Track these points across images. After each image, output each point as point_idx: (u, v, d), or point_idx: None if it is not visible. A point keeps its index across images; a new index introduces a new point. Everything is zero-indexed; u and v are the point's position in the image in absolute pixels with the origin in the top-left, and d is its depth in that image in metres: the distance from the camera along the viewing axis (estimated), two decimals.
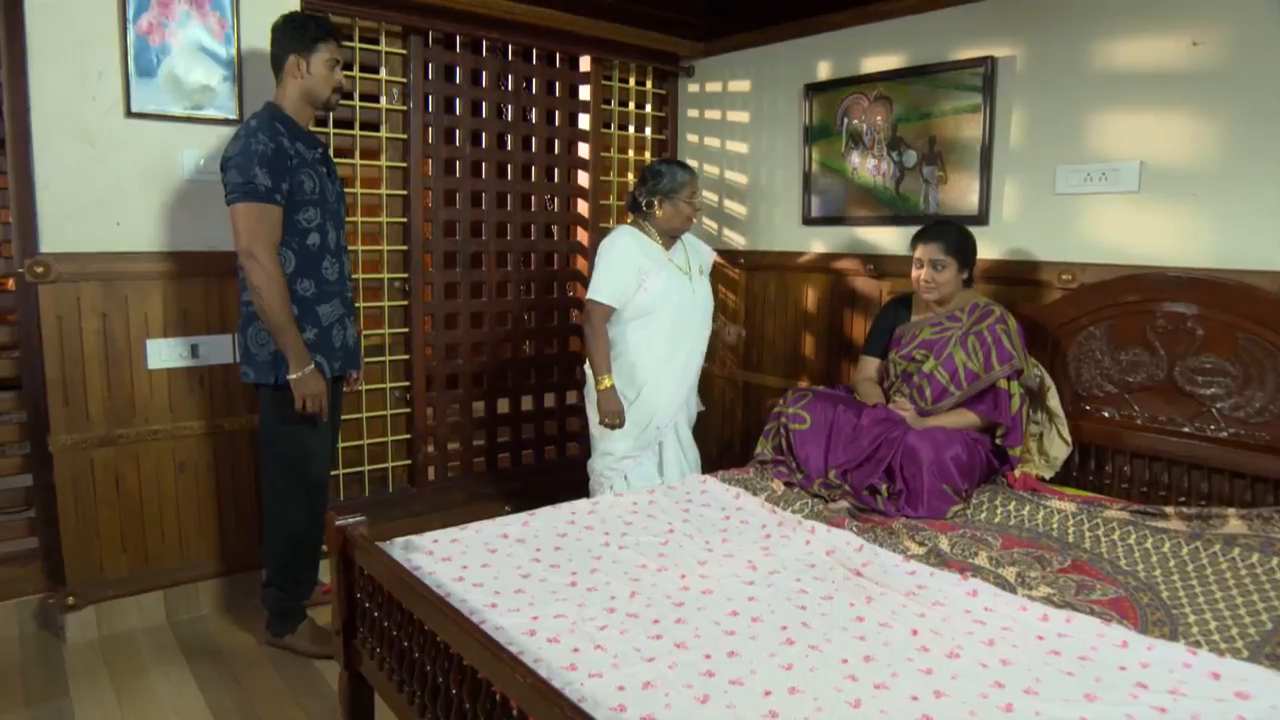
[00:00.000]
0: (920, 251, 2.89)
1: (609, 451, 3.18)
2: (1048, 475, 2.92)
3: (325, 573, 3.02)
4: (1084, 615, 1.90)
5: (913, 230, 3.03)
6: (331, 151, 3.28)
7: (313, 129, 2.71)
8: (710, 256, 3.40)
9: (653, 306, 3.09)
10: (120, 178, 2.77)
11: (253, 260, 2.47)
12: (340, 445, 3.50)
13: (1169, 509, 2.51)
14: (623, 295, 3.07)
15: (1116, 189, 2.92)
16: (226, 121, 2.90)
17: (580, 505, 2.61)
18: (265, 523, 2.80)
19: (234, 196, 2.48)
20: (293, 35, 2.57)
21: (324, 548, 2.89)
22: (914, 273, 2.92)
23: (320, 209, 2.62)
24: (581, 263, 4.25)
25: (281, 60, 2.59)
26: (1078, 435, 2.93)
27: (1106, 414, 2.90)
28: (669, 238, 3.17)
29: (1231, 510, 2.44)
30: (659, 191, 3.10)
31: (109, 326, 2.80)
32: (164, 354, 2.90)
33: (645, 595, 2.00)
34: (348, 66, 3.37)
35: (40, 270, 2.64)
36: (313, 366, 2.59)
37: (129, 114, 2.75)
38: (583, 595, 1.99)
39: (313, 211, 2.60)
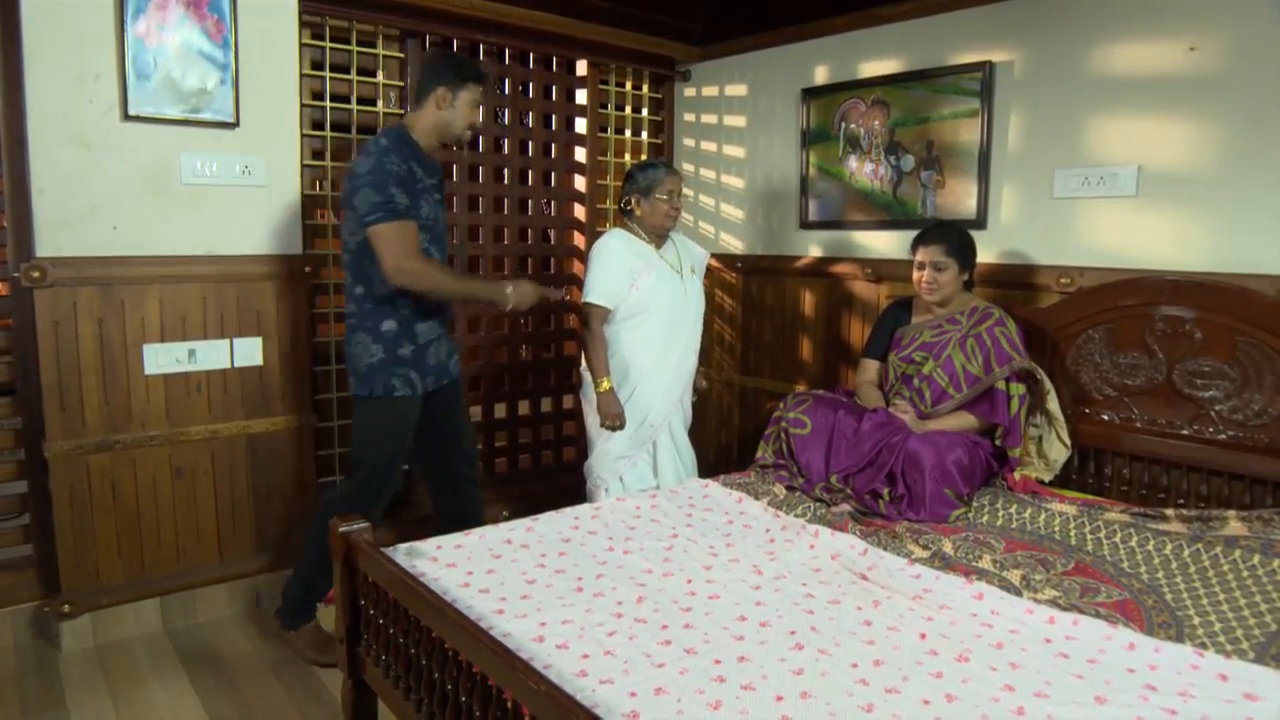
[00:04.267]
0: (921, 254, 2.90)
1: (606, 451, 3.19)
2: (1047, 478, 2.93)
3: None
4: (1090, 618, 1.90)
5: (910, 234, 3.05)
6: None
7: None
8: (703, 257, 3.42)
9: (645, 305, 3.11)
10: (117, 181, 2.74)
11: (410, 274, 2.56)
12: (337, 451, 3.49)
13: (1169, 511, 2.53)
14: (616, 296, 3.09)
15: (1114, 193, 2.93)
16: (223, 125, 2.88)
17: (583, 510, 2.60)
18: (320, 515, 2.78)
19: (376, 217, 2.52)
20: (446, 68, 2.69)
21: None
22: (915, 275, 2.93)
23: (430, 234, 2.71)
24: (578, 266, 4.24)
25: (428, 89, 2.68)
26: (1077, 438, 2.94)
27: (1106, 417, 2.91)
28: (657, 237, 3.20)
29: (1231, 512, 2.46)
30: (636, 190, 3.15)
31: (105, 331, 2.78)
32: (161, 359, 2.88)
33: (652, 600, 1.99)
34: (345, 70, 3.37)
35: (36, 275, 2.62)
36: (506, 289, 2.73)
37: (126, 117, 2.72)
38: (589, 601, 1.98)
39: (422, 236, 2.66)
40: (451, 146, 2.96)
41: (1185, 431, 2.74)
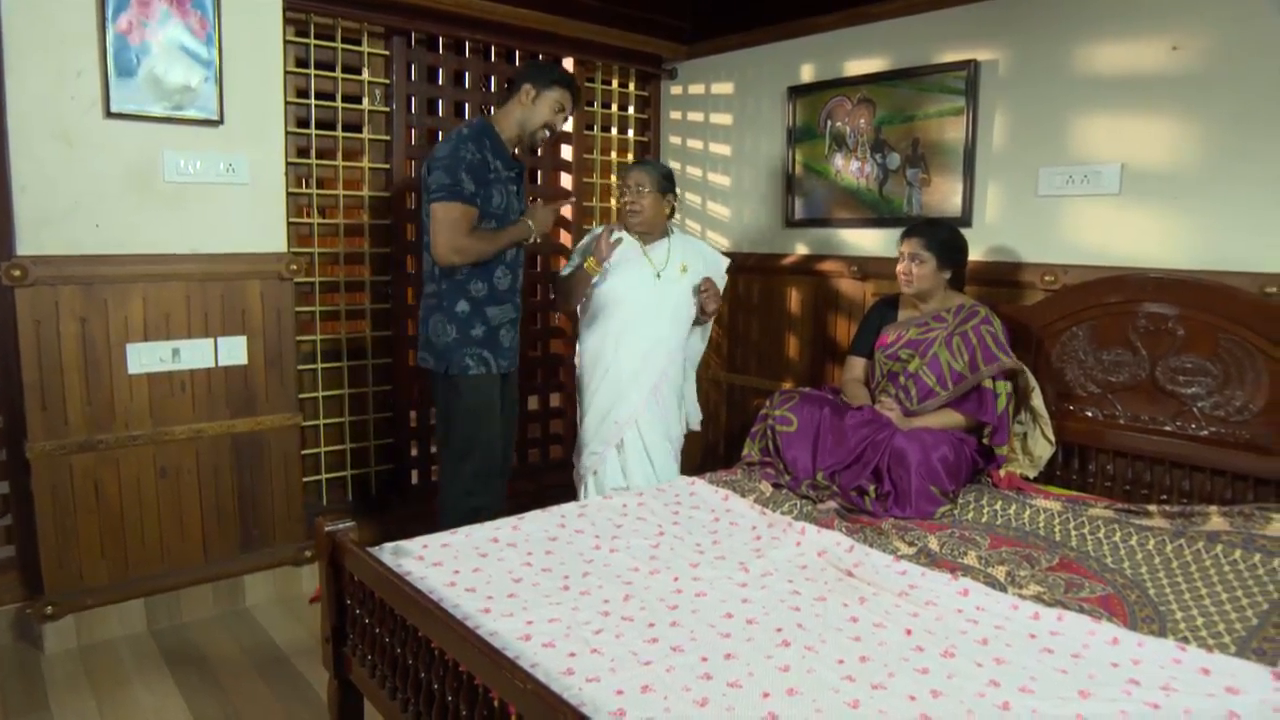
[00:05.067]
0: (903, 245, 2.94)
1: (584, 442, 3.28)
2: (1032, 474, 2.95)
3: (314, 578, 3.00)
4: (1074, 613, 1.91)
5: (896, 232, 3.06)
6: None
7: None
8: (715, 263, 3.38)
9: (609, 298, 3.19)
10: (99, 179, 2.72)
11: (458, 252, 2.73)
12: (322, 450, 3.47)
13: (1152, 507, 2.54)
14: (576, 268, 3.25)
15: (1098, 191, 2.95)
16: (208, 122, 2.86)
17: (569, 508, 2.60)
18: (441, 507, 2.96)
19: (439, 196, 2.71)
20: (538, 71, 2.92)
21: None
22: (897, 266, 2.96)
23: (501, 223, 2.85)
24: (565, 263, 4.23)
25: (517, 86, 2.89)
26: (1061, 435, 2.96)
27: (1089, 413, 2.93)
28: (641, 234, 3.24)
29: (1213, 508, 2.47)
30: None
31: (88, 331, 2.75)
32: (144, 358, 2.86)
33: (639, 598, 1.99)
34: (330, 67, 3.35)
35: (17, 274, 2.60)
36: (528, 222, 2.90)
37: (108, 114, 2.70)
38: (576, 599, 1.98)
39: (494, 224, 2.84)
40: (525, 143, 2.99)
41: (1168, 428, 2.76)
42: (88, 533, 2.81)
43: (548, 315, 4.34)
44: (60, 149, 2.65)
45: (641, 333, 3.19)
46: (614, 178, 4.36)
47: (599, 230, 3.22)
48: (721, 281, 3.39)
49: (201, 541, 3.04)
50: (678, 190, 3.78)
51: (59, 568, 2.78)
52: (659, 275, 3.20)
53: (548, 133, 2.95)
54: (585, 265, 3.11)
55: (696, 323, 3.33)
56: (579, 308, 3.30)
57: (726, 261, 3.42)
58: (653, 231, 3.23)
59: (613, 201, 4.37)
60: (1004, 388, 2.80)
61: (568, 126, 4.15)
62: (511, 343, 2.99)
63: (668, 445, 3.28)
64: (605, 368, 3.20)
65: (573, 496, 3.25)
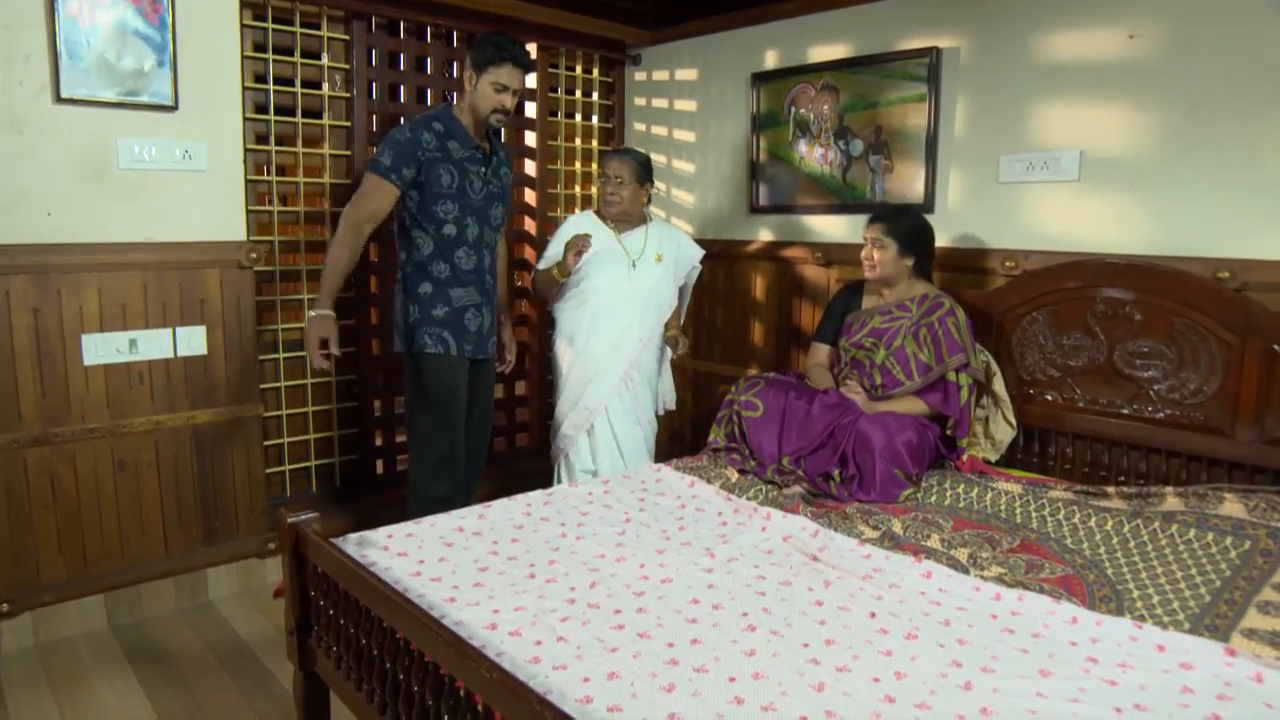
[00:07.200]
0: (867, 231, 2.96)
1: (558, 425, 3.32)
2: (993, 458, 2.99)
3: (278, 570, 2.96)
4: (1035, 593, 1.95)
5: (859, 219, 3.08)
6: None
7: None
8: (689, 254, 3.42)
9: (582, 285, 3.22)
10: (51, 166, 2.66)
11: (344, 217, 2.74)
12: (285, 440, 3.43)
13: (1110, 488, 2.59)
14: (552, 265, 3.27)
15: (1057, 178, 2.99)
16: (162, 108, 2.80)
17: (536, 496, 2.60)
18: (410, 497, 2.95)
19: (367, 167, 2.78)
20: (477, 51, 2.79)
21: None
22: (862, 251, 2.98)
23: (459, 203, 2.83)
24: (529, 252, 4.21)
25: (466, 70, 2.82)
26: (1022, 418, 3.00)
27: (1049, 397, 2.98)
28: (615, 222, 3.28)
29: (1169, 488, 2.52)
30: None
31: (41, 322, 2.69)
32: (100, 349, 2.80)
33: (605, 585, 1.99)
34: (289, 52, 3.29)
35: None
36: (324, 314, 2.74)
37: (58, 99, 2.64)
38: (542, 587, 1.98)
39: (450, 205, 2.81)
40: (485, 127, 2.89)
41: (1125, 411, 2.81)
42: (44, 528, 2.76)
43: (512, 304, 4.31)
44: (10, 135, 2.58)
45: (614, 320, 3.22)
46: (579, 164, 4.34)
47: (570, 222, 3.22)
48: (693, 273, 3.43)
49: (162, 535, 3.00)
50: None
51: (14, 564, 2.72)
52: (634, 264, 3.23)
53: (501, 115, 2.82)
54: (552, 273, 3.16)
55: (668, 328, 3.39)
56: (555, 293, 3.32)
57: (700, 254, 3.45)
58: (629, 220, 3.26)
59: (578, 189, 4.36)
60: (966, 380, 2.82)
61: (530, 113, 4.12)
62: (480, 328, 2.95)
63: (638, 431, 3.31)
64: (577, 353, 3.24)
65: (540, 484, 3.24)
